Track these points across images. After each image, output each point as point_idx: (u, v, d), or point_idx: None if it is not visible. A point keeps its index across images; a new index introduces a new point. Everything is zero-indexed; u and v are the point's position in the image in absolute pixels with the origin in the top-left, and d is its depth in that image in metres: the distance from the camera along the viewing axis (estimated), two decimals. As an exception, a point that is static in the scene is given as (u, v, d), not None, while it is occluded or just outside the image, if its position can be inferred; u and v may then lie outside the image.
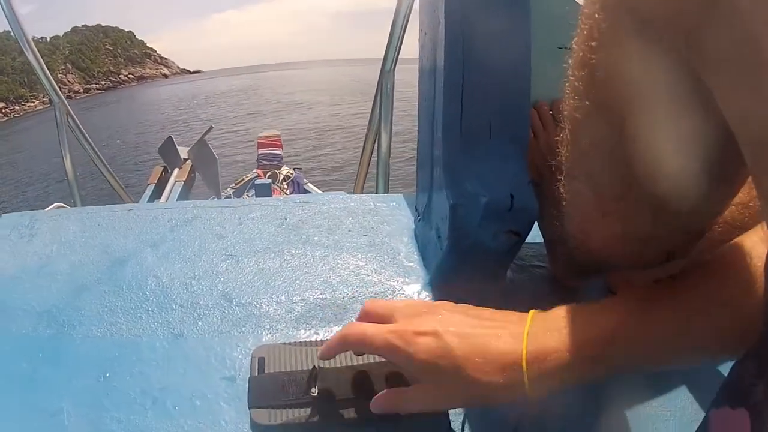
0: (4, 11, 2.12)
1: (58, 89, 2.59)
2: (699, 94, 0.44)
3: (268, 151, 7.95)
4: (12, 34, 2.27)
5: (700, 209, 0.59)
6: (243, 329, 0.98)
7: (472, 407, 0.74)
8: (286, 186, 7.05)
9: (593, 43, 0.54)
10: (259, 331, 0.98)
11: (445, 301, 0.79)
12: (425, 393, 0.71)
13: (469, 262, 1.01)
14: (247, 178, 7.42)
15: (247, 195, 6.02)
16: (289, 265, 1.14)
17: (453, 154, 0.97)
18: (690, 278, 0.68)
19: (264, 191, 5.06)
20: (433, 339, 0.68)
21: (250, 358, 0.88)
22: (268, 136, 8.35)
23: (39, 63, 2.40)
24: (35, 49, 2.38)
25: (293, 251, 1.18)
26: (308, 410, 0.78)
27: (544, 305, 0.73)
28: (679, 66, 0.44)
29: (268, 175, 7.13)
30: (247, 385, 0.85)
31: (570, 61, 0.62)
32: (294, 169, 7.89)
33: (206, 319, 1.01)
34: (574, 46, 0.60)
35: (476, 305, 0.76)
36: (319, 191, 7.13)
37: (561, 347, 0.65)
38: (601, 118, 0.58)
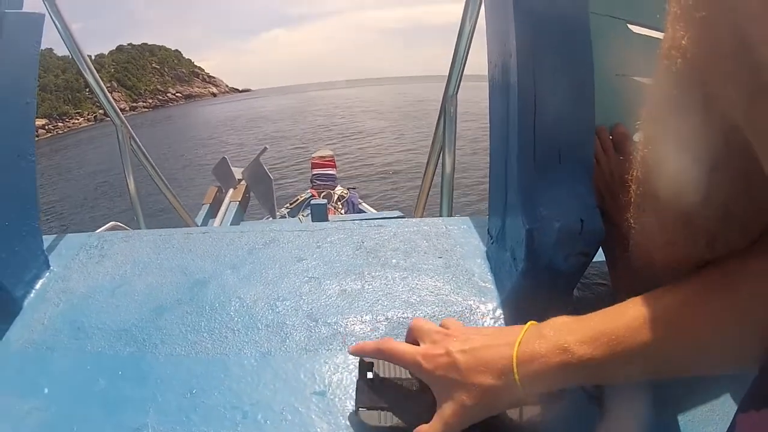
0: (60, 33, 2.15)
1: (119, 112, 2.64)
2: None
3: (322, 171, 7.98)
4: (69, 56, 2.29)
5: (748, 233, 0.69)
6: (330, 347, 1.03)
7: (482, 417, 0.79)
8: (341, 206, 7.06)
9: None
10: (347, 349, 1.01)
11: (459, 326, 0.89)
12: (441, 415, 0.79)
13: (542, 283, 1.05)
14: (302, 198, 7.45)
15: (302, 215, 6.06)
16: (370, 287, 1.18)
17: (527, 180, 1.02)
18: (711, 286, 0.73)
19: (320, 211, 5.09)
20: (446, 358, 0.80)
21: (357, 362, 0.91)
22: (322, 157, 8.39)
23: (99, 85, 2.45)
24: (95, 72, 2.42)
25: (373, 273, 1.22)
26: (415, 415, 0.83)
27: None
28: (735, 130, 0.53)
29: (322, 195, 7.16)
30: (354, 388, 0.89)
31: (644, 114, 0.72)
32: (348, 188, 7.92)
33: (293, 338, 1.05)
34: (649, 100, 0.70)
35: (545, 320, 0.84)
36: (375, 211, 7.14)
37: (549, 350, 0.75)
38: (669, 168, 0.68)
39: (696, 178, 0.62)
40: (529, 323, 0.83)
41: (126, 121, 2.69)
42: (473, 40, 2.02)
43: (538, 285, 1.05)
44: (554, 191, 1.01)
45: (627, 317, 0.74)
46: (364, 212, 7.04)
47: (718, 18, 0.49)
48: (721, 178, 0.62)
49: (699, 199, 0.64)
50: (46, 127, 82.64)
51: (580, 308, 1.12)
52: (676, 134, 0.62)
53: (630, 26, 1.26)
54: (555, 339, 0.76)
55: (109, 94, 2.58)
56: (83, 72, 2.36)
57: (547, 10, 1.02)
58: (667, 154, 0.65)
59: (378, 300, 1.14)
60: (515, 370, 0.75)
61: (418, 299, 1.14)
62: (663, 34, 1.29)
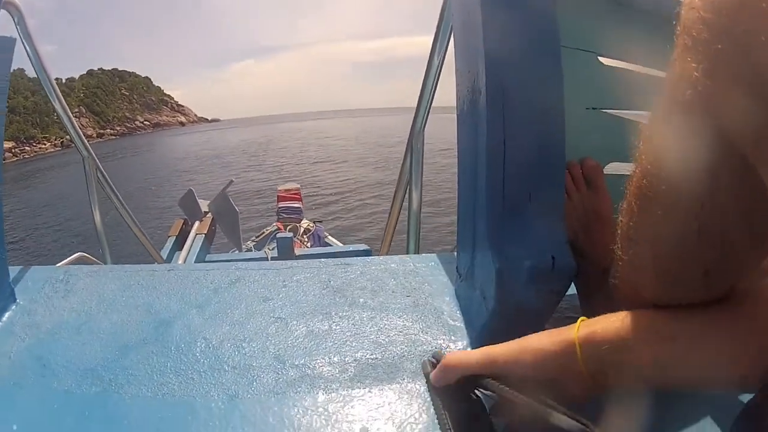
0: (30, 59, 2.12)
1: (87, 143, 2.61)
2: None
3: (288, 204, 7.94)
4: (41, 82, 2.24)
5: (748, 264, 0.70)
6: (299, 389, 1.00)
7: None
8: (306, 239, 7.03)
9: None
10: (315, 391, 0.99)
11: None
12: None
13: (513, 321, 1.04)
14: (268, 231, 7.38)
15: (269, 248, 6.01)
16: (338, 327, 1.16)
17: (496, 219, 1.02)
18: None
19: (285, 245, 5.06)
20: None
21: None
22: (287, 190, 8.35)
23: (67, 115, 2.43)
24: (62, 100, 2.39)
25: (341, 313, 1.20)
26: None
27: None
28: (742, 161, 0.54)
29: (288, 228, 7.12)
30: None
31: (640, 147, 0.71)
32: (314, 222, 7.89)
33: (261, 380, 1.02)
34: (647, 135, 0.69)
35: None
36: (341, 244, 7.12)
37: (609, 330, 0.78)
38: (670, 200, 0.67)
39: (697, 210, 0.63)
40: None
41: (93, 153, 2.66)
42: (443, 72, 2.03)
43: (509, 323, 1.04)
44: (524, 229, 1.01)
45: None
46: (331, 246, 7.03)
47: (734, 51, 0.50)
48: (722, 210, 0.62)
49: (698, 230, 0.64)
50: (13, 151, 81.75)
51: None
52: (680, 166, 0.61)
53: (601, 59, 1.27)
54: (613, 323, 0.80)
55: (77, 125, 2.56)
56: (52, 100, 2.34)
57: (517, 47, 1.02)
58: (668, 186, 0.65)
59: (346, 341, 1.12)
60: (578, 346, 0.79)
61: (386, 339, 1.12)
62: (635, 65, 1.31)
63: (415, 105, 2.18)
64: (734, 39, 0.50)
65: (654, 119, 0.68)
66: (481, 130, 1.04)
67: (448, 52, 1.87)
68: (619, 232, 0.80)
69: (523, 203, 1.03)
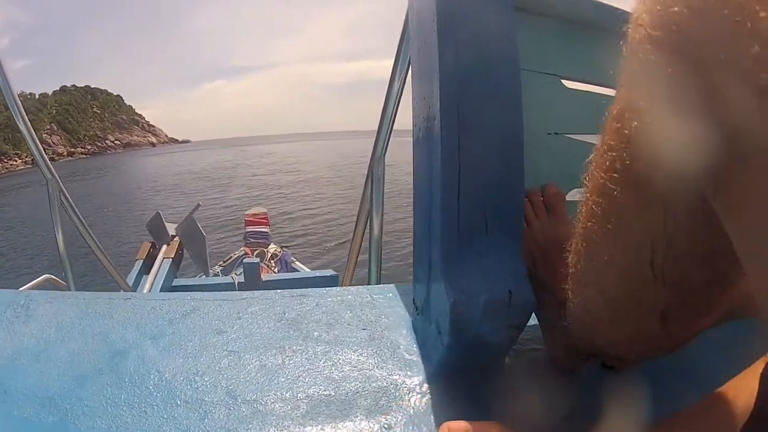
0: None
1: (51, 166, 2.58)
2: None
3: (255, 229, 7.95)
4: (6, 101, 2.23)
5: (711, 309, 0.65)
6: (249, 426, 0.98)
7: None
8: (273, 264, 7.02)
9: (615, 175, 0.57)
10: (267, 428, 0.97)
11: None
12: None
13: (470, 355, 1.02)
14: (235, 256, 7.39)
15: (236, 273, 6.00)
16: (291, 362, 1.13)
17: (451, 252, 1.00)
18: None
19: (252, 270, 5.05)
20: None
21: None
22: (255, 214, 8.36)
23: (31, 135, 2.40)
24: (27, 121, 2.37)
25: (294, 347, 1.18)
26: None
27: (542, 388, 0.82)
28: (699, 201, 0.48)
29: (255, 253, 7.11)
30: None
31: (586, 183, 0.66)
32: (282, 247, 7.89)
33: (212, 416, 1.00)
34: (592, 171, 0.63)
35: (476, 394, 0.88)
36: (308, 269, 7.13)
37: None
38: (619, 244, 0.62)
39: (649, 256, 0.59)
40: None
41: (57, 175, 2.63)
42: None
43: (467, 358, 1.03)
44: (480, 261, 0.99)
45: None
46: (298, 271, 7.03)
47: (689, 75, 0.43)
48: (680, 254, 0.58)
49: (653, 276, 0.60)
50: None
51: (512, 377, 1.11)
52: (629, 210, 0.59)
53: (563, 81, 1.26)
54: None
55: (40, 145, 2.53)
56: (16, 120, 2.32)
57: (474, 70, 1.01)
58: (616, 230, 0.62)
59: (299, 376, 1.09)
60: None
61: (340, 375, 1.10)
62: (599, 87, 1.29)
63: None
64: (688, 60, 0.43)
65: (597, 154, 0.63)
66: (435, 157, 1.03)
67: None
68: (569, 271, 0.78)
69: (479, 234, 1.01)
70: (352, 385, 1.07)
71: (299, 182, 32.57)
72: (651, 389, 0.88)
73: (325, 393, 1.05)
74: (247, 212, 8.63)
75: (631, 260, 0.62)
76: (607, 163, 0.58)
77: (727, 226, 0.46)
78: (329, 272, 5.70)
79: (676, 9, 0.42)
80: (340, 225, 17.52)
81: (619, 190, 0.58)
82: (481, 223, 1.01)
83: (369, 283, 2.34)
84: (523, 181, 1.04)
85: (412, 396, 1.05)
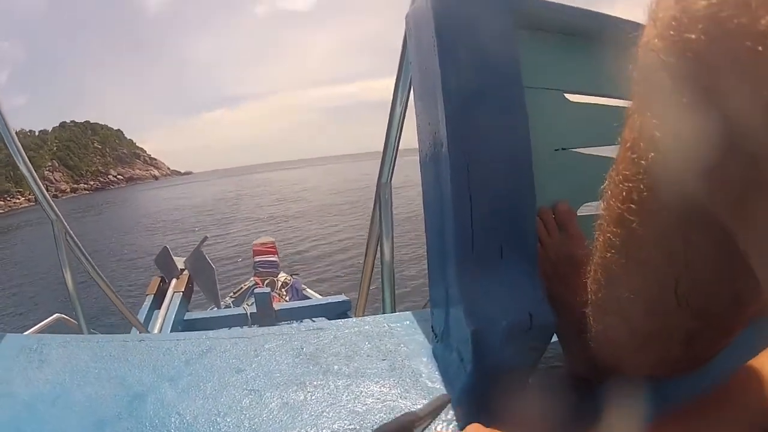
0: None
1: (54, 206, 2.56)
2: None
3: (264, 259, 7.93)
4: (5, 142, 2.19)
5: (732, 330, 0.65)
6: None
7: None
8: (285, 293, 7.00)
9: (632, 206, 0.56)
10: None
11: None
12: None
13: (494, 380, 1.00)
14: (246, 287, 7.37)
15: (247, 304, 5.98)
16: (313, 398, 1.12)
17: (467, 278, 0.99)
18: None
19: (264, 300, 5.04)
20: None
21: None
22: (263, 243, 8.35)
23: (33, 177, 2.37)
24: (28, 163, 2.34)
25: (315, 382, 1.16)
26: None
27: (568, 407, 0.81)
28: (717, 225, 0.47)
29: (266, 282, 7.09)
30: None
31: (602, 212, 0.64)
32: (292, 275, 7.87)
33: (237, 461, 0.98)
34: (609, 201, 0.61)
35: (501, 417, 0.84)
36: (320, 296, 7.09)
37: None
38: (641, 274, 0.61)
39: (672, 285, 0.58)
40: None
41: (61, 216, 2.61)
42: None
43: (490, 383, 1.01)
44: (498, 286, 0.98)
45: None
46: (309, 298, 7.01)
47: (707, 105, 0.41)
48: (701, 281, 0.57)
49: (676, 303, 0.59)
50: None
51: (536, 395, 1.09)
52: (649, 241, 0.58)
53: (567, 96, 1.24)
54: None
55: (42, 187, 2.50)
56: (16, 161, 2.29)
57: (478, 89, 1.00)
58: (637, 263, 0.61)
59: (322, 412, 1.07)
60: None
61: (364, 408, 1.08)
62: (603, 99, 1.27)
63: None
64: (705, 88, 0.41)
65: (613, 183, 0.60)
66: (444, 182, 1.02)
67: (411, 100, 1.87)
68: (589, 298, 0.76)
69: (494, 258, 1.00)
70: (377, 417, 1.06)
71: (306, 208, 32.61)
72: (655, 387, 0.87)
73: (350, 427, 1.04)
74: (255, 242, 8.62)
75: (655, 291, 0.61)
76: (624, 193, 0.57)
77: (742, 242, 0.45)
78: (342, 297, 5.69)
79: (692, 36, 0.40)
80: (347, 248, 17.51)
81: (638, 221, 0.57)
82: (495, 246, 1.00)
83: (383, 311, 2.32)
84: (534, 201, 1.03)
85: (438, 425, 1.03)
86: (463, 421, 1.02)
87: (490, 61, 1.04)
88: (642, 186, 0.54)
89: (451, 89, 1.00)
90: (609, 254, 0.64)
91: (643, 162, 0.52)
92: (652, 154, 0.50)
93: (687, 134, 0.44)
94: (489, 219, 1.00)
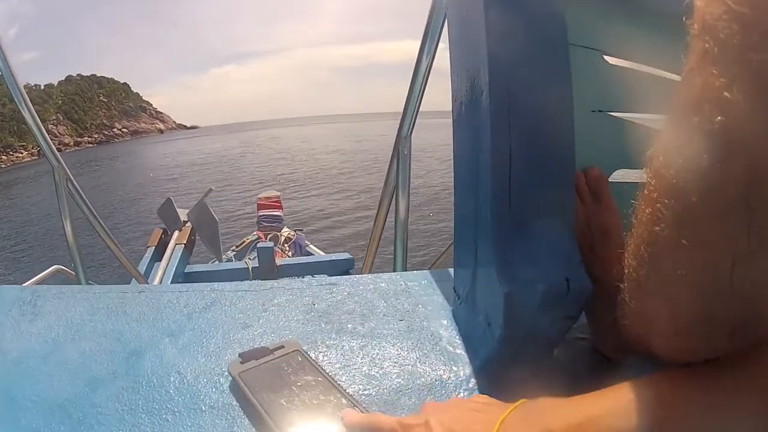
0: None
1: (57, 153, 2.53)
2: None
3: (268, 213, 7.90)
4: (10, 91, 2.18)
5: None
6: None
7: None
8: (288, 248, 6.99)
9: (692, 176, 0.50)
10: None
11: (438, 404, 0.86)
12: None
13: (522, 349, 0.95)
14: (248, 241, 7.35)
15: (249, 258, 5.97)
16: (326, 358, 1.06)
17: (503, 236, 0.93)
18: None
19: (266, 254, 5.02)
20: (423, 428, 0.77)
21: None
22: (267, 197, 8.32)
23: (36, 123, 2.35)
24: (32, 109, 2.32)
25: (328, 342, 1.11)
26: None
27: (589, 380, 0.74)
28: None
29: (269, 237, 7.08)
30: None
31: (650, 180, 0.57)
32: (295, 230, 7.85)
33: (241, 423, 0.92)
34: (661, 170, 0.54)
35: (525, 388, 0.79)
36: (323, 253, 7.10)
37: None
38: (695, 254, 0.54)
39: (729, 265, 0.51)
40: (519, 402, 0.76)
41: (63, 162, 2.56)
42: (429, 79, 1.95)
43: (518, 351, 0.95)
44: (534, 248, 0.91)
45: (616, 403, 0.66)
46: (312, 254, 7.00)
47: None
48: (758, 266, 0.50)
49: (730, 290, 0.52)
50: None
51: (559, 368, 1.02)
52: (706, 212, 0.50)
53: (606, 57, 1.18)
54: (539, 425, 0.70)
55: (45, 133, 2.47)
56: (21, 109, 2.27)
57: (523, 45, 0.93)
58: (690, 238, 0.53)
59: (335, 374, 1.01)
60: None
61: (380, 372, 1.02)
62: (641, 65, 1.21)
63: (401, 110, 2.10)
64: None
65: (667, 148, 0.53)
66: (484, 136, 0.94)
67: (437, 55, 1.81)
68: (625, 271, 0.68)
69: (531, 219, 0.93)
70: (395, 382, 1.00)
71: (313, 166, 32.71)
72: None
73: (365, 392, 0.98)
74: (259, 196, 8.59)
75: (708, 272, 0.53)
76: (681, 161, 0.50)
77: None
78: (345, 255, 5.68)
79: None
80: (353, 208, 17.57)
81: (697, 193, 0.50)
82: (533, 207, 0.93)
83: (395, 268, 2.27)
84: (573, 162, 0.96)
85: (459, 393, 0.98)
86: (487, 392, 0.95)
87: (537, 14, 0.96)
88: (708, 151, 0.46)
89: (496, 39, 0.93)
90: (658, 228, 0.56)
91: (706, 126, 0.45)
92: (720, 117, 0.43)
93: (763, 94, 0.39)
94: (528, 176, 0.93)
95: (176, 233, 5.75)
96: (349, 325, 1.16)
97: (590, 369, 1.04)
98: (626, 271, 0.67)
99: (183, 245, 5.45)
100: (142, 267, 4.76)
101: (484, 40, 0.93)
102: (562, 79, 0.94)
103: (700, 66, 0.44)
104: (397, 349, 1.08)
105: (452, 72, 1.11)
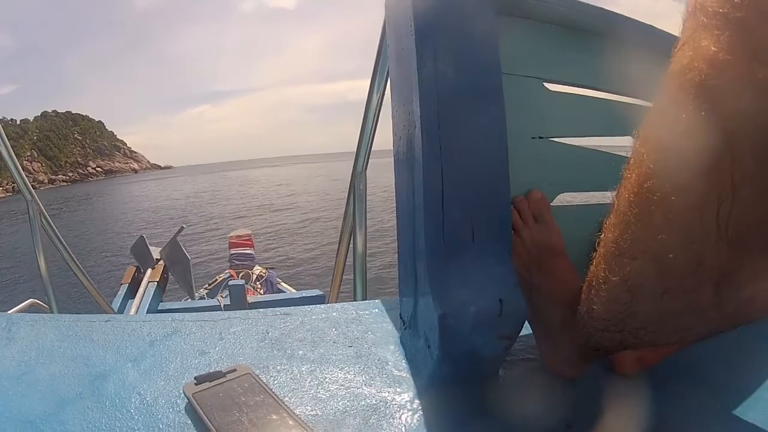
0: None
1: (31, 187, 2.56)
2: None
3: (240, 251, 7.90)
4: None
5: None
6: None
7: None
8: (259, 286, 6.97)
9: (682, 123, 0.57)
10: None
11: None
12: None
13: (462, 369, 1.00)
14: (220, 279, 7.33)
15: (221, 296, 5.95)
16: (276, 382, 1.09)
17: (437, 264, 0.97)
18: None
19: (238, 292, 5.01)
20: None
21: None
22: (239, 236, 8.32)
23: (12, 158, 2.38)
24: (8, 144, 2.35)
25: (279, 367, 1.14)
26: None
27: (541, 397, 0.81)
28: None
29: (241, 275, 7.07)
30: None
31: (638, 149, 0.65)
32: (267, 268, 7.84)
33: (196, 442, 0.96)
34: (650, 132, 0.63)
35: (470, 407, 0.85)
36: (294, 290, 7.08)
37: None
38: (681, 197, 0.60)
39: (715, 208, 0.56)
40: None
41: (37, 197, 2.61)
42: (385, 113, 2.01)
43: (458, 370, 1.00)
44: (468, 273, 0.96)
45: None
46: (284, 292, 6.99)
47: (758, 20, 0.44)
48: (745, 205, 0.55)
49: (716, 230, 0.57)
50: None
51: (508, 387, 1.08)
52: (694, 159, 0.55)
53: (546, 84, 1.24)
54: None
55: (20, 167, 2.51)
56: None
57: (455, 74, 0.99)
58: (678, 184, 0.58)
59: (284, 397, 1.04)
60: None
61: (327, 394, 1.06)
62: (582, 89, 1.27)
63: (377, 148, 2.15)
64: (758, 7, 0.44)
65: (658, 114, 0.62)
66: (417, 167, 1.00)
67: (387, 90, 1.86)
68: (601, 252, 0.74)
69: (465, 244, 0.98)
70: (340, 404, 1.03)
71: (284, 204, 32.59)
72: (651, 393, 0.86)
73: (311, 413, 1.01)
74: (231, 234, 8.59)
75: (694, 214, 0.58)
76: (674, 114, 0.57)
77: None
78: (316, 292, 5.67)
79: None
80: (323, 244, 17.52)
81: (686, 137, 0.55)
82: (467, 232, 0.98)
83: (354, 299, 2.31)
84: (508, 189, 1.01)
85: (402, 413, 1.01)
86: (430, 411, 1.00)
87: (469, 45, 1.02)
88: (694, 104, 0.53)
89: (428, 72, 0.99)
90: (648, 184, 0.62)
91: (695, 82, 0.52)
92: (707, 71, 0.51)
93: (743, 49, 0.46)
94: (462, 204, 0.98)
95: (149, 271, 5.75)
96: (300, 352, 1.19)
97: (540, 387, 1.07)
98: (603, 251, 0.73)
99: (156, 282, 5.45)
100: (116, 304, 4.75)
101: (415, 73, 0.98)
102: (495, 109, 1.00)
103: (691, 39, 0.52)
104: (345, 373, 1.12)
105: (392, 108, 1.16)
